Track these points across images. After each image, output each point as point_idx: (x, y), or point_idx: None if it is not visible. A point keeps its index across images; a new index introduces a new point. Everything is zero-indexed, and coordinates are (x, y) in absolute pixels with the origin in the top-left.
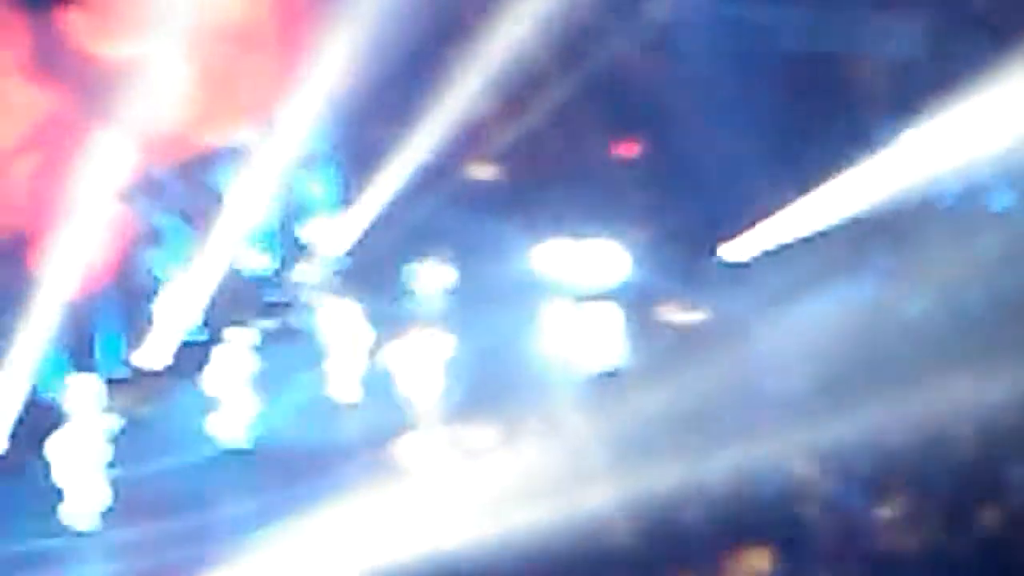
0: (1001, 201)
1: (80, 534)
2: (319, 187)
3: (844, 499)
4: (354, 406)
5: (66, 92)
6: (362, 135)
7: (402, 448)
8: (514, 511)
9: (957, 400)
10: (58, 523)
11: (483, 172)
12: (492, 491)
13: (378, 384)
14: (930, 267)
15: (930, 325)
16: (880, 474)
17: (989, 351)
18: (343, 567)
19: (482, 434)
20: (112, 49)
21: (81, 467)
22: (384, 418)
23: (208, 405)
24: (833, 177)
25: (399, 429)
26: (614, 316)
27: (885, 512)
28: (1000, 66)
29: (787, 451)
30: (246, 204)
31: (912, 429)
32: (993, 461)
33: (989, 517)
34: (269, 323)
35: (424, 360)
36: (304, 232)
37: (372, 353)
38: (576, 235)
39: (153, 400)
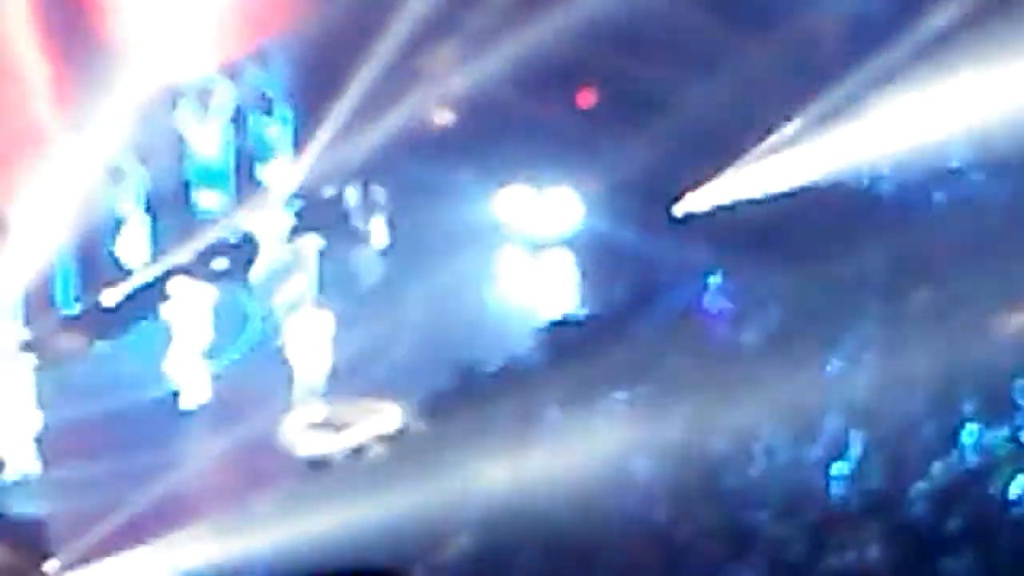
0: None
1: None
2: (275, 129)
3: (795, 456)
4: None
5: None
6: (319, 78)
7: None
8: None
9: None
10: None
11: (441, 118)
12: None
13: (329, 329)
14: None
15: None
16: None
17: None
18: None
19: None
20: None
21: (16, 409)
22: (334, 361)
23: (161, 345)
24: (794, 136)
25: (349, 372)
26: (570, 264)
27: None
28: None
29: (742, 407)
30: (203, 144)
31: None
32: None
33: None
34: (224, 263)
35: (378, 305)
36: (259, 174)
37: (326, 297)
38: (533, 183)
39: (106, 338)
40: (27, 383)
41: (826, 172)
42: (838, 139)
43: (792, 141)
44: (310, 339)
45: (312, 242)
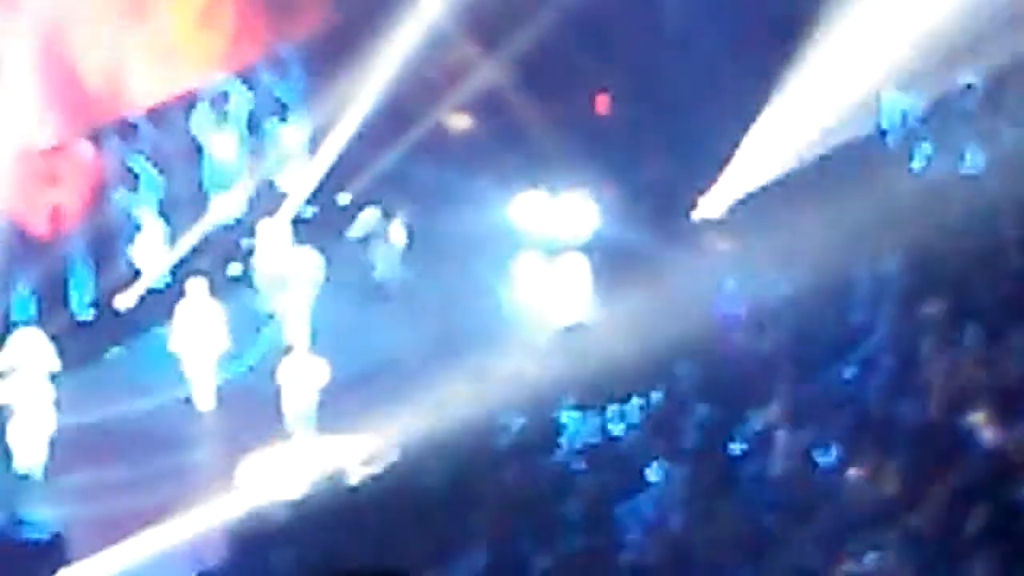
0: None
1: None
2: (290, 134)
3: (811, 461)
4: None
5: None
6: (334, 84)
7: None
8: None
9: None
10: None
11: (458, 123)
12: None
13: (343, 332)
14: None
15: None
16: (852, 432)
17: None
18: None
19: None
20: None
21: (31, 414)
22: (345, 367)
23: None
24: (801, 127)
25: (362, 377)
26: (585, 269)
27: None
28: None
29: (757, 412)
30: (219, 150)
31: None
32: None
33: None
34: (237, 269)
35: (393, 309)
36: (275, 179)
37: (341, 300)
38: (549, 188)
39: (121, 343)
40: (43, 388)
41: (843, 177)
42: (854, 144)
43: (807, 147)
44: (304, 368)
45: (327, 248)
